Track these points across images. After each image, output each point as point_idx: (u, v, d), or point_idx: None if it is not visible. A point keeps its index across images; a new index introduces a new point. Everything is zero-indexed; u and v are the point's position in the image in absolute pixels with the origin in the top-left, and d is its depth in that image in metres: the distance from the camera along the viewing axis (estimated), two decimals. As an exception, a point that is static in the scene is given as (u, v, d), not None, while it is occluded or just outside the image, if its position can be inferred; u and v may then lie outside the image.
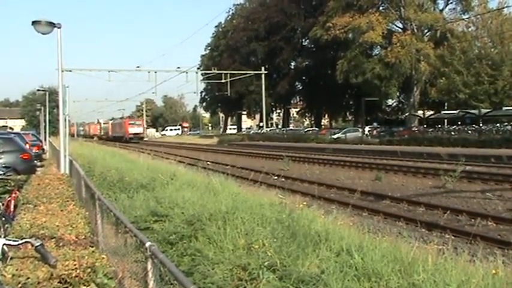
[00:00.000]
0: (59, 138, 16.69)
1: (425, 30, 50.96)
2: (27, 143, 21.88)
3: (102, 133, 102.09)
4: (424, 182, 17.26)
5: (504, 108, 39.31)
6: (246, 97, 68.73)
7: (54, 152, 26.28)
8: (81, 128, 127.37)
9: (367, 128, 48.77)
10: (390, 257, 4.97)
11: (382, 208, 12.51)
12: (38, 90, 60.17)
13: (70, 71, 38.59)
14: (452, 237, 8.85)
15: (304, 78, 69.58)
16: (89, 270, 3.21)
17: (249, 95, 67.96)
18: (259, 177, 13.66)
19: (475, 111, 38.92)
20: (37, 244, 3.12)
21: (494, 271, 4.60)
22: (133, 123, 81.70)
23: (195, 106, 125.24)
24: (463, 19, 47.53)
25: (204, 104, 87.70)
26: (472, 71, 42.13)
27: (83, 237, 4.27)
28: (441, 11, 51.93)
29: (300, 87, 72.68)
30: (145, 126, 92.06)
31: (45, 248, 3.20)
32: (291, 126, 77.80)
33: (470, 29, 46.19)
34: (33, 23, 13.48)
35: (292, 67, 69.63)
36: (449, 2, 51.38)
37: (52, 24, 13.77)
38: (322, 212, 7.83)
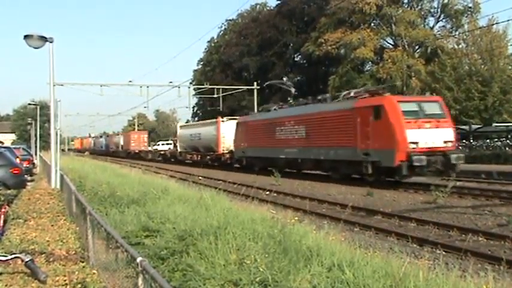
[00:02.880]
0: (50, 153, 16.60)
1: (416, 47, 51.55)
2: (17, 157, 21.75)
3: (184, 148, 49.28)
4: (415, 197, 17.31)
5: (494, 124, 39.67)
6: (239, 112, 68.79)
7: (45, 166, 26.12)
8: (102, 140, 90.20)
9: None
10: (381, 272, 4.98)
11: (374, 223, 12.52)
12: (29, 104, 60.00)
13: (62, 85, 38.39)
14: (443, 253, 8.86)
15: (296, 93, 69.89)
16: (80, 285, 3.20)
17: (241, 110, 68.01)
18: (251, 192, 13.64)
19: (466, 127, 39.23)
20: (27, 259, 3.11)
21: (485, 287, 4.62)
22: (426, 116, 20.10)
23: (187, 121, 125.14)
24: (453, 36, 48.20)
25: (197, 118, 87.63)
26: (462, 87, 42.57)
27: (74, 252, 4.25)
28: (432, 28, 52.62)
29: (292, 103, 72.99)
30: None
31: (35, 263, 3.19)
32: (283, 141, 77.87)
33: (460, 46, 46.80)
34: (25, 37, 13.50)
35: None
36: (440, 19, 52.13)
37: (44, 39, 13.80)
38: (314, 227, 7.83)
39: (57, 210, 6.83)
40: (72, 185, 10.27)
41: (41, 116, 42.73)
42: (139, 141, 67.47)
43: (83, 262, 3.90)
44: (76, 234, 5.28)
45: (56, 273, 3.37)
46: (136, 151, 65.34)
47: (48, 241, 4.66)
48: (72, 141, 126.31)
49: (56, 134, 16.04)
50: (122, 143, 73.16)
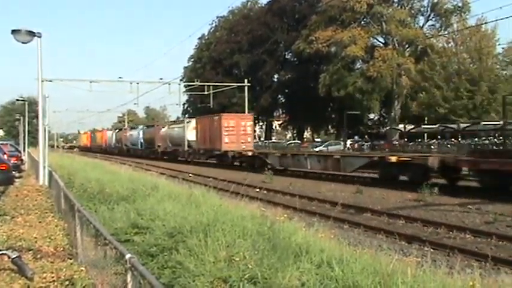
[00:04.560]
0: (38, 149, 16.48)
1: (406, 46, 51.81)
2: (5, 153, 21.58)
3: None
4: (404, 195, 17.41)
5: (482, 123, 40.02)
6: (229, 109, 68.80)
7: (33, 163, 25.91)
8: (137, 134, 59.95)
9: (348, 141, 49.12)
10: (370, 269, 5.01)
11: (363, 221, 12.59)
12: (17, 100, 59.52)
13: (50, 81, 38.09)
14: (431, 250, 8.94)
15: (286, 91, 69.96)
16: (67, 282, 3.18)
17: (231, 107, 68.03)
18: (241, 190, 13.64)
19: (454, 126, 39.54)
20: (14, 256, 3.08)
21: (471, 283, 4.66)
22: None
23: (178, 118, 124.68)
24: (443, 35, 48.50)
25: (187, 115, 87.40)
26: (451, 86, 42.93)
27: (62, 249, 4.23)
28: (421, 27, 52.89)
29: (283, 100, 73.04)
30: None
31: (22, 260, 3.16)
32: (273, 139, 77.99)
33: (450, 45, 47.15)
34: (13, 31, 13.37)
35: (275, 80, 69.99)
36: (430, 18, 52.42)
37: (32, 33, 13.67)
38: (304, 224, 7.85)
39: (45, 207, 6.79)
40: (61, 182, 10.20)
41: (29, 112, 42.39)
42: (237, 134, 35.61)
43: (71, 259, 3.88)
44: (64, 231, 5.25)
45: (43, 270, 3.35)
46: (247, 153, 33.46)
47: (35, 238, 4.63)
48: (61, 137, 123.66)
49: (44, 130, 15.91)
50: (190, 137, 42.28)
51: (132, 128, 66.36)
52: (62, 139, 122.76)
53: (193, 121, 43.45)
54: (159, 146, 51.02)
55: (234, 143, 35.51)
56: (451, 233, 10.69)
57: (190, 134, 42.61)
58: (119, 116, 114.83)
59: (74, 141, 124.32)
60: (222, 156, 36.82)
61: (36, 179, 16.43)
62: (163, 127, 52.72)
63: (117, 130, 74.80)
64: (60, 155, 42.46)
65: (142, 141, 57.93)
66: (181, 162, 42.11)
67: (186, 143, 43.17)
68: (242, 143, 35.73)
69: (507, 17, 35.15)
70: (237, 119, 37.12)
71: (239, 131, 36.17)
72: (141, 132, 59.17)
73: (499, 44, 45.82)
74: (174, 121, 52.72)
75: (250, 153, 33.44)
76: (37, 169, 17.06)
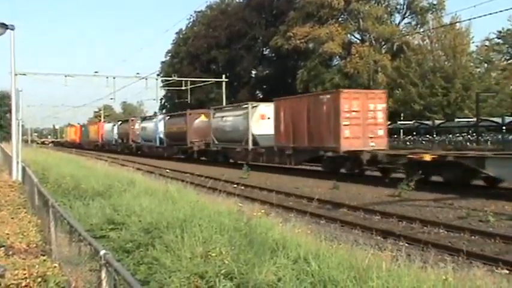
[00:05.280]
0: (12, 144, 16.16)
1: (383, 43, 52.39)
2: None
3: None
4: (379, 190, 17.58)
5: (456, 119, 40.77)
6: (207, 105, 68.52)
7: (6, 158, 25.39)
8: (152, 126, 45.98)
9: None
10: (346, 264, 5.06)
11: (339, 216, 12.69)
12: (-10, 93, 58.15)
13: (24, 74, 37.46)
14: (406, 245, 9.07)
15: (264, 86, 70.07)
16: (40, 279, 3.13)
17: (209, 103, 67.81)
18: (219, 185, 13.61)
19: (429, 122, 40.19)
20: (-15, 253, 3.02)
21: (444, 277, 4.75)
22: None
23: (155, 113, 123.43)
24: (419, 32, 49.20)
25: (164, 111, 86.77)
26: (426, 83, 43.61)
27: (35, 245, 4.16)
28: (398, 24, 53.55)
29: (261, 96, 73.10)
30: None
31: (-6, 257, 3.09)
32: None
33: (425, 43, 47.84)
34: (-15, 24, 13.07)
35: (253, 75, 69.98)
36: (406, 15, 53.09)
37: (4, 26, 13.37)
38: (281, 220, 7.88)
39: (18, 202, 6.67)
40: (35, 177, 10.02)
41: (2, 106, 41.59)
42: (363, 124, 21.75)
43: (44, 255, 3.82)
44: (37, 227, 5.17)
45: (15, 267, 3.29)
46: (423, 156, 17.93)
47: (7, 234, 4.54)
48: (35, 132, 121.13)
49: (18, 125, 15.61)
50: (257, 130, 28.58)
51: (145, 119, 51.65)
52: (36, 134, 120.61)
53: (261, 107, 29.45)
54: (193, 142, 37.00)
55: (358, 138, 21.69)
56: (425, 227, 10.86)
57: (258, 126, 28.63)
58: (95, 111, 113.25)
59: (49, 136, 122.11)
60: (344, 160, 22.07)
61: (9, 175, 16.11)
62: (198, 116, 38.11)
63: (120, 122, 60.10)
64: (35, 150, 41.74)
65: (162, 135, 43.22)
66: (156, 158, 40.88)
67: (250, 139, 28.61)
68: (371, 138, 21.94)
69: (482, 16, 35.88)
70: (362, 99, 22.22)
71: (366, 119, 21.95)
72: (160, 124, 43.82)
73: (473, 42, 46.79)
74: (221, 107, 37.62)
75: (428, 158, 17.81)
76: (10, 164, 16.73)
